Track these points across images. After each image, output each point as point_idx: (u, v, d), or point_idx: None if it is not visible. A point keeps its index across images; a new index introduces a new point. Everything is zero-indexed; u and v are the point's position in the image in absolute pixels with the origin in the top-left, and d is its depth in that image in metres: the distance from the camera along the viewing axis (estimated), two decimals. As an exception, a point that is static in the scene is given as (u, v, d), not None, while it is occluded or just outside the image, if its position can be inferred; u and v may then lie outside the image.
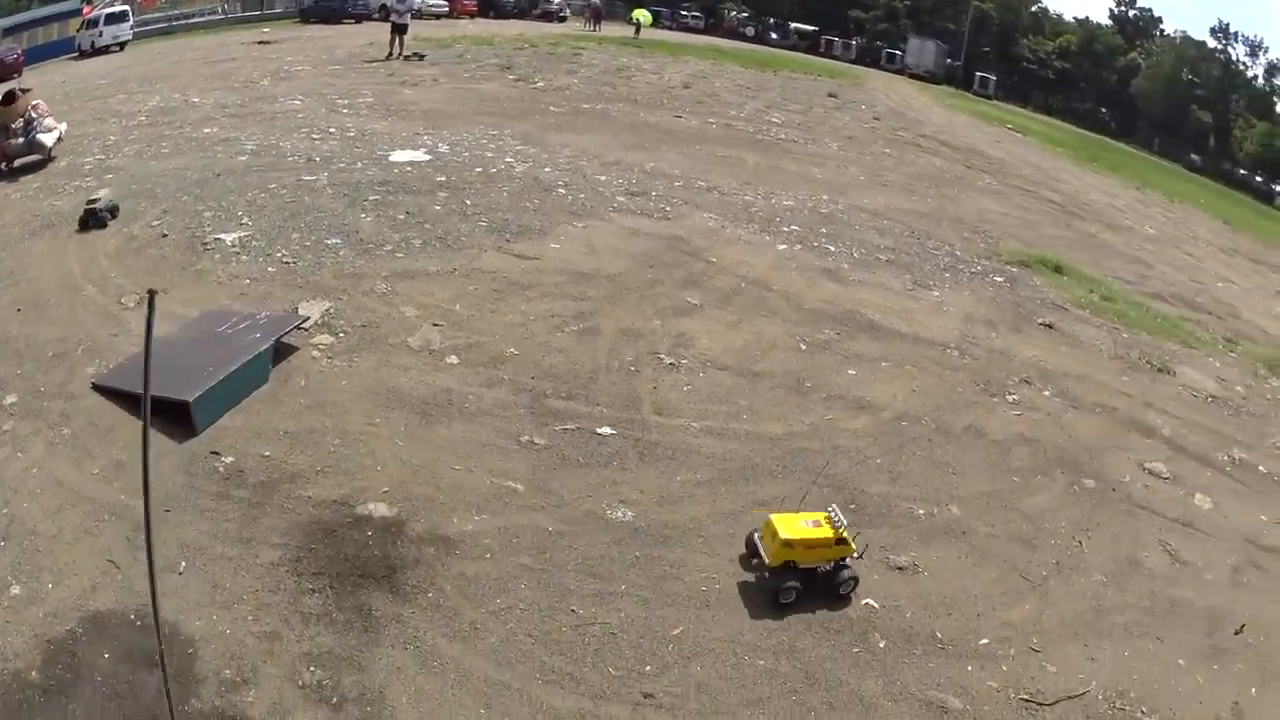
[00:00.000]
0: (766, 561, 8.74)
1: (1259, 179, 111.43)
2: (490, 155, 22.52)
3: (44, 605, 7.98)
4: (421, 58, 41.21)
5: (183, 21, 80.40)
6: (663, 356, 12.84)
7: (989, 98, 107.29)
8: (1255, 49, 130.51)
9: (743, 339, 13.70)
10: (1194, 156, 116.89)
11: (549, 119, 28.90)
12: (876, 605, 8.84)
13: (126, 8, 74.81)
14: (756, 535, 9.02)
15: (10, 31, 77.00)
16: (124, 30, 69.13)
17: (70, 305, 13.59)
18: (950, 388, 13.23)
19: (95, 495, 9.33)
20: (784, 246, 18.07)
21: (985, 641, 8.64)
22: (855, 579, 8.91)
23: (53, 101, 23.98)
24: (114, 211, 16.63)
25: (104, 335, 12.61)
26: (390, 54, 41.73)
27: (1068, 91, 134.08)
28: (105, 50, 64.00)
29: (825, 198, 22.81)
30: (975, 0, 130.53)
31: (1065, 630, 9.01)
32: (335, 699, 7.40)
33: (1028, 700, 8.19)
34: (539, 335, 13.05)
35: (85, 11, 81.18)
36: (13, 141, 22.26)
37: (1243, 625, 9.68)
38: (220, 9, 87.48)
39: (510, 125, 26.71)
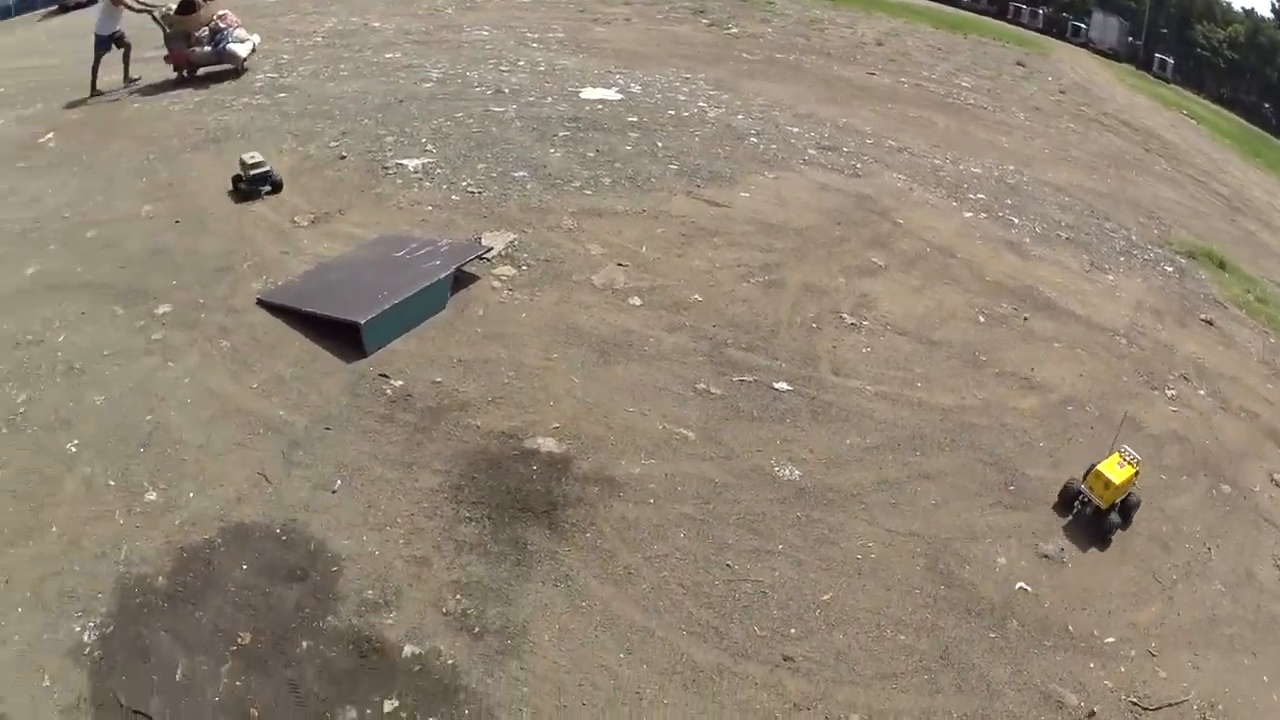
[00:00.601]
0: (1100, 505, 9.61)
1: None
2: (683, 99, 22.15)
3: (181, 513, 7.95)
4: None
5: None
6: (844, 316, 12.44)
7: (1167, 80, 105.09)
8: None
9: (924, 305, 13.26)
10: None
11: (742, 66, 28.44)
12: (1028, 589, 8.60)
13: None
14: (1080, 484, 9.78)
15: None
16: None
17: (237, 221, 13.60)
18: (1116, 375, 12.74)
19: (252, 408, 9.27)
20: (969, 214, 17.54)
21: (1111, 640, 8.39)
22: (1139, 502, 10.12)
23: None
24: (278, 186, 14.90)
25: (273, 252, 12.57)
26: None
27: (1236, 82, 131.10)
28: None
29: (1011, 168, 22.18)
30: None
31: (1182, 637, 8.72)
32: (477, 629, 7.26)
33: (1135, 703, 7.96)
34: (724, 284, 12.72)
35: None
36: (198, 49, 22.39)
37: None
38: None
39: (703, 70, 26.32)
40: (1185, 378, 13.18)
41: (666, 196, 15.28)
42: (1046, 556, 9.05)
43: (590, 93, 21.54)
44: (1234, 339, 15.38)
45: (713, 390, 10.24)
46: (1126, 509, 10.03)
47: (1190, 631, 8.77)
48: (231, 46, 22.54)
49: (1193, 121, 55.78)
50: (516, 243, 13.08)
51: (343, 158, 15.82)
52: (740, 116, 21.13)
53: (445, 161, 15.83)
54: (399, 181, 14.90)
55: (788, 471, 9.14)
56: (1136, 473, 9.96)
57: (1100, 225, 19.21)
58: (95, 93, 22.26)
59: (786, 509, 8.71)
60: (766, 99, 23.57)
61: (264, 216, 13.65)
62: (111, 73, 21.44)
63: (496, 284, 11.96)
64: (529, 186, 15.04)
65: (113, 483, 8.20)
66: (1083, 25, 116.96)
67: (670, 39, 31.61)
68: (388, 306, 10.52)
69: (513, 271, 12.30)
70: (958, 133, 24.85)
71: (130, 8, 22.79)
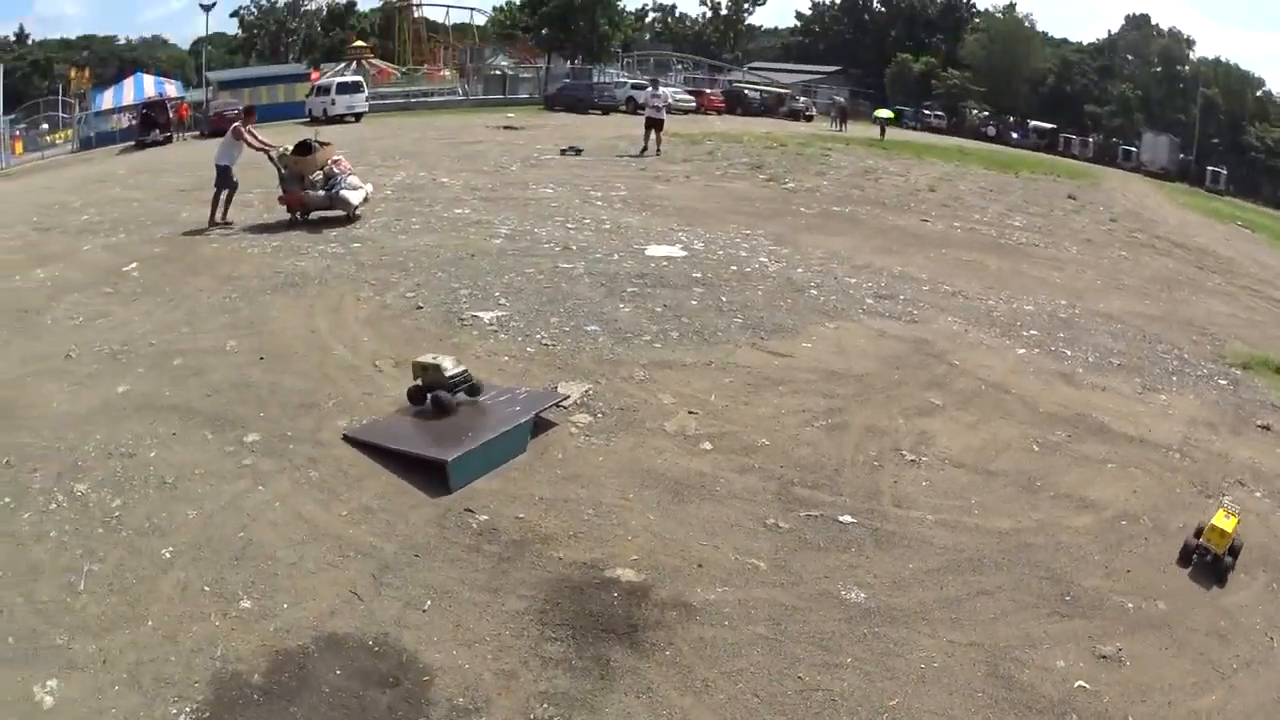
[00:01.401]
0: (1219, 553, 11.20)
1: None
2: (744, 254, 22.88)
3: (276, 621, 8.34)
4: (578, 152, 40.94)
5: (421, 99, 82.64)
6: (904, 453, 12.86)
7: (1221, 193, 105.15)
8: None
9: (980, 439, 13.67)
10: None
11: (800, 220, 29.25)
12: (1087, 686, 8.84)
13: (360, 79, 77.23)
14: (1197, 539, 11.42)
15: (227, 86, 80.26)
16: (359, 101, 71.35)
17: (319, 360, 14.28)
18: (1169, 489, 13.03)
19: (341, 534, 9.74)
20: (1023, 350, 18.00)
21: None
22: (1242, 545, 11.58)
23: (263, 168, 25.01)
24: (475, 390, 12.83)
25: (356, 393, 13.20)
26: (644, 149, 42.08)
27: None
28: (340, 119, 65.63)
29: (1063, 302, 22.63)
30: (1202, 88, 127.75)
31: (1247, 718, 8.94)
32: (563, 732, 7.60)
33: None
34: (789, 428, 13.19)
35: (313, 77, 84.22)
36: (311, 192, 23.42)
37: None
38: (460, 90, 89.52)
39: (763, 225, 27.11)
40: (1241, 483, 13.45)
41: (732, 349, 15.85)
42: (1104, 657, 9.29)
43: (655, 249, 22.28)
44: None
45: (781, 525, 10.65)
46: (1234, 550, 11.34)
47: (1255, 714, 8.99)
48: (345, 193, 23.68)
49: (1248, 231, 56.16)
50: (591, 392, 13.61)
51: (419, 308, 16.53)
52: (800, 269, 21.79)
53: (519, 315, 16.51)
54: (475, 333, 15.57)
55: (854, 594, 9.51)
56: (1239, 521, 11.45)
57: (1152, 348, 19.59)
58: (215, 223, 23.68)
59: (853, 627, 9.07)
60: (824, 251, 24.25)
61: (346, 360, 14.34)
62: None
63: (574, 430, 12.46)
64: (600, 340, 15.66)
65: (207, 589, 8.68)
66: (1133, 149, 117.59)
67: (729, 195, 32.61)
68: (473, 447, 11.06)
69: (589, 419, 12.82)
70: (1010, 272, 25.39)
71: (250, 143, 23.73)
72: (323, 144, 25.19)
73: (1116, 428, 14.65)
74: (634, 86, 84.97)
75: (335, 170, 24.17)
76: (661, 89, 49.87)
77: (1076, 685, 8.82)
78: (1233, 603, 10.62)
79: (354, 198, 23.99)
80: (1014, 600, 9.89)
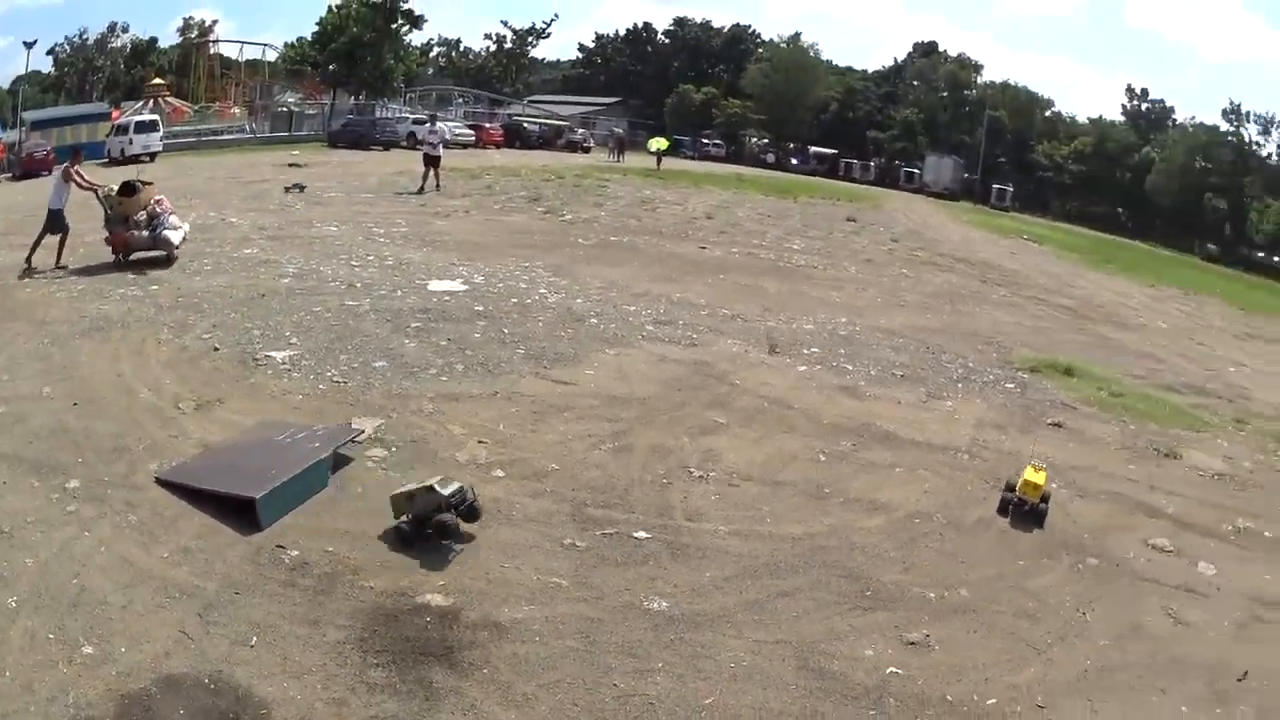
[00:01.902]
0: (1034, 501, 13.35)
1: (1276, 259, 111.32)
2: (524, 286, 23.59)
3: (117, 665, 8.52)
4: (302, 189, 40.58)
5: (212, 137, 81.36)
6: (692, 470, 13.56)
7: (1006, 209, 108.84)
8: (1268, 126, 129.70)
9: (765, 453, 14.47)
10: (1210, 246, 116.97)
11: (578, 251, 30.20)
12: (900, 671, 9.46)
13: (156, 118, 75.66)
14: (1012, 492, 13.52)
15: (39, 126, 77.90)
16: (154, 140, 69.60)
17: (126, 405, 14.44)
18: (960, 487, 13.99)
19: (165, 575, 9.95)
20: (804, 368, 18.97)
21: (993, 702, 9.21)
22: (1049, 495, 13.66)
23: (87, 207, 24.82)
24: (475, 513, 11.59)
25: (163, 435, 13.42)
26: (423, 187, 42.03)
27: (1084, 195, 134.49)
28: (136, 159, 64.01)
29: (844, 320, 23.85)
30: (989, 110, 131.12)
31: (1070, 689, 9.59)
32: (397, 756, 8.03)
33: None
34: (577, 452, 13.80)
35: (114, 116, 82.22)
36: (136, 233, 23.25)
37: (1245, 672, 10.23)
38: (249, 127, 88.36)
39: (542, 257, 27.93)
40: None
41: (517, 378, 16.50)
42: (913, 643, 10.01)
43: (437, 284, 22.90)
44: (1087, 434, 16.92)
45: (578, 544, 11.23)
46: (1045, 498, 13.36)
47: (1078, 684, 9.69)
48: (167, 233, 23.47)
49: (1034, 244, 59.36)
50: (384, 427, 14.05)
51: (216, 349, 16.80)
52: (579, 300, 22.61)
53: (310, 353, 16.87)
54: (269, 372, 15.89)
55: (656, 604, 10.13)
56: (1047, 476, 13.69)
57: (936, 359, 20.81)
58: (29, 270, 23.07)
59: (660, 634, 9.63)
60: (603, 281, 25.13)
61: (151, 403, 14.52)
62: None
63: (370, 464, 12.89)
64: (389, 375, 16.15)
65: (52, 636, 8.81)
66: (916, 171, 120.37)
67: (508, 229, 33.57)
68: (278, 484, 11.40)
69: (384, 452, 13.25)
70: (790, 294, 26.68)
71: (79, 184, 23.41)
72: (145, 184, 25.00)
73: (903, 434, 15.66)
74: (415, 122, 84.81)
75: (158, 210, 24.04)
76: (439, 124, 50.40)
77: (889, 671, 9.48)
78: (1039, 585, 11.53)
79: (175, 237, 23.90)
80: (815, 599, 10.57)
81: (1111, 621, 10.98)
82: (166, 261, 23.48)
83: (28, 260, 23.42)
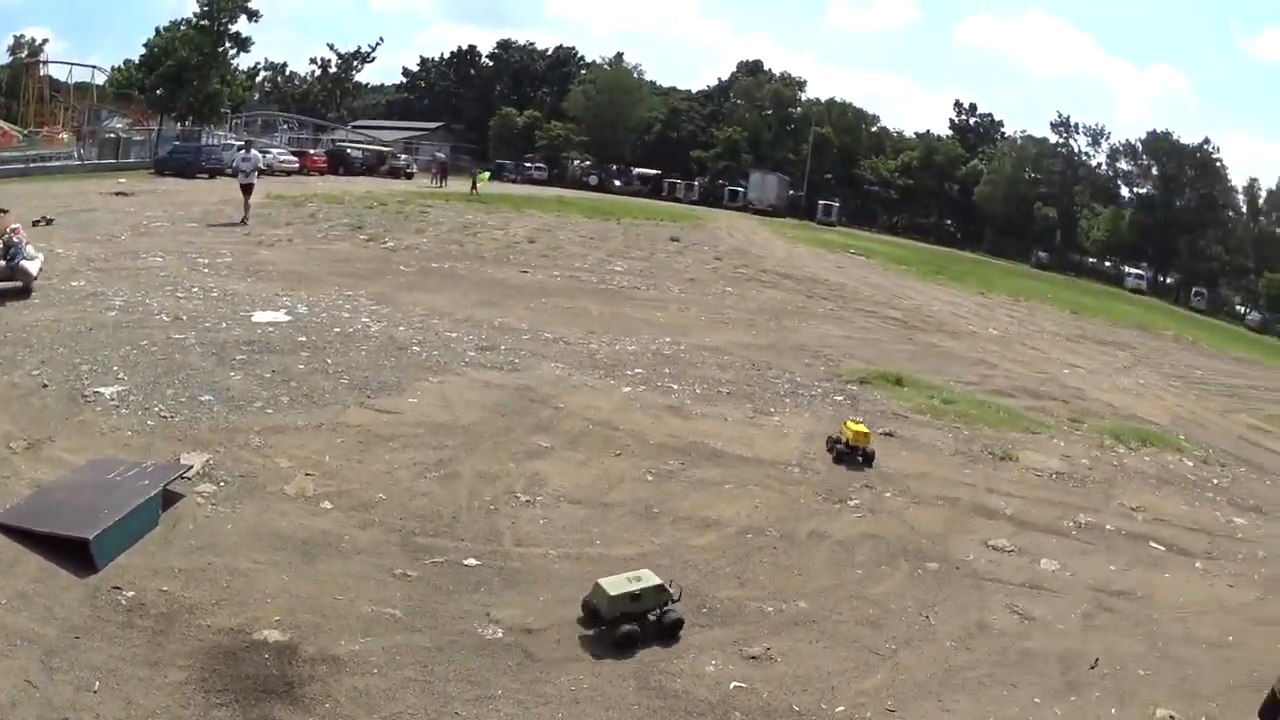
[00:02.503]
0: (864, 446, 15.80)
1: (1107, 264, 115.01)
2: (347, 315, 23.83)
3: None
4: (49, 222, 37.29)
5: (40, 165, 79.56)
6: (519, 495, 13.95)
7: (833, 224, 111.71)
8: (1097, 137, 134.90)
9: (592, 475, 14.91)
10: (1042, 253, 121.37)
11: (400, 279, 30.59)
12: (744, 685, 9.87)
13: (-19, 142, 73.34)
14: (840, 443, 16.05)
15: None
16: None
17: (-45, 447, 14.23)
18: (792, 500, 14.56)
19: (4, 621, 9.88)
20: (628, 389, 19.48)
21: (842, 709, 9.66)
22: (874, 453, 15.94)
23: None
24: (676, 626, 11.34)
25: (-4, 476, 13.27)
26: (245, 217, 41.62)
27: (912, 208, 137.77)
28: (-45, 188, 62.06)
29: (668, 340, 24.48)
30: (815, 127, 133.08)
31: (919, 691, 10.12)
32: (248, 795, 8.19)
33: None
34: (404, 481, 14.08)
35: (-68, 138, 79.65)
36: None
37: (1096, 660, 10.98)
38: (76, 154, 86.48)
39: (364, 285, 28.22)
40: (868, 486, 15.16)
41: (341, 409, 16.69)
42: (754, 657, 10.42)
43: (261, 316, 22.97)
44: (920, 442, 17.68)
45: (410, 573, 11.51)
46: (868, 455, 15.45)
47: (927, 685, 10.19)
48: (25, 263, 22.88)
49: (862, 258, 61.00)
50: (212, 461, 14.13)
51: (45, 386, 16.64)
52: (402, 328, 22.93)
53: (137, 388, 16.80)
54: (99, 409, 15.79)
55: (491, 631, 10.44)
56: (868, 432, 15.97)
57: (762, 375, 21.50)
58: None
59: (497, 660, 9.92)
60: (425, 308, 25.52)
61: (-21, 447, 14.32)
62: None
63: (200, 500, 12.96)
64: (215, 409, 16.18)
65: None
66: (740, 189, 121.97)
67: (330, 258, 33.69)
68: (110, 524, 11.43)
69: (213, 488, 13.33)
70: (612, 316, 27.26)
71: None
72: (1, 211, 24.71)
73: (730, 451, 16.22)
74: (239, 149, 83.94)
75: (15, 240, 23.40)
76: (253, 151, 48.65)
77: (732, 686, 9.89)
78: (879, 592, 12.13)
79: (33, 268, 23.42)
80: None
81: (956, 623, 11.59)
82: (24, 293, 23.15)
83: None
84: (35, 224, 34.92)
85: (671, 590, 10.73)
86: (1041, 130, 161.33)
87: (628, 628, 10.32)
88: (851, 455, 16.14)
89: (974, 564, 13.21)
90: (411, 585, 11.30)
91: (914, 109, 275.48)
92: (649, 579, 10.64)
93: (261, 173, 50.80)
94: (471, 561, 11.93)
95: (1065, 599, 12.62)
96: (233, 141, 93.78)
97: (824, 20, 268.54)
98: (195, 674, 9.33)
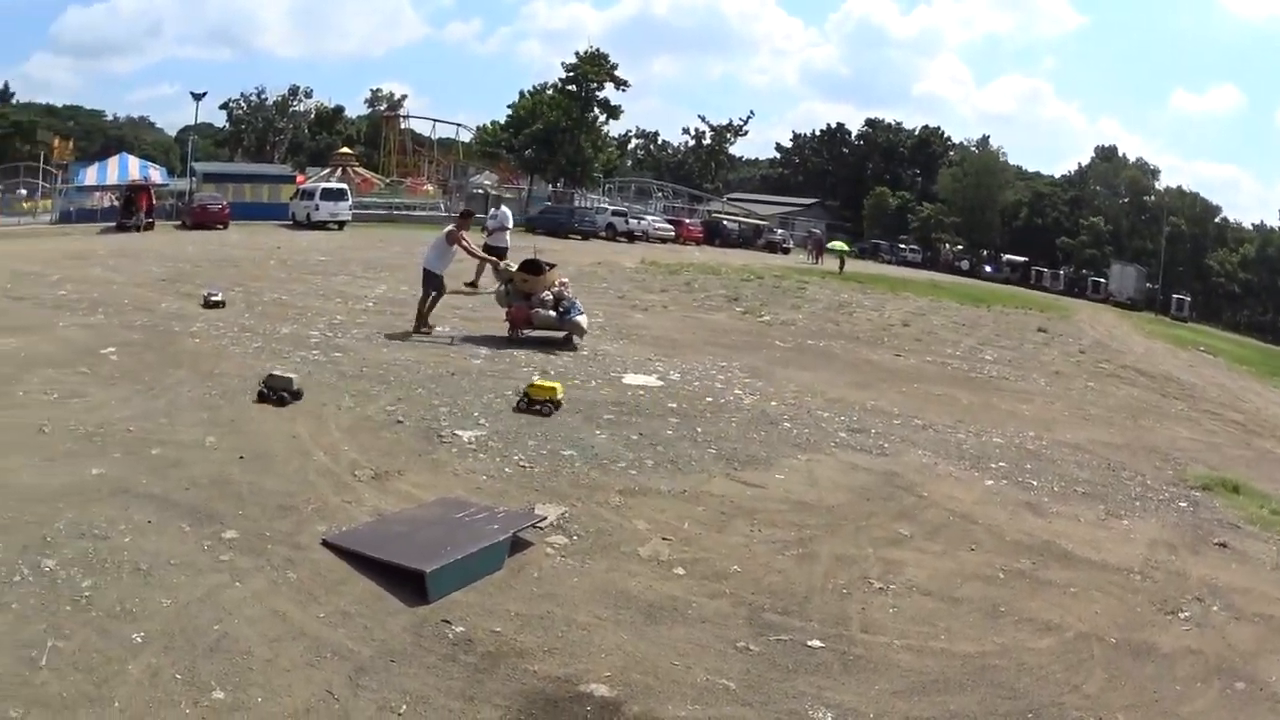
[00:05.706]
0: (553, 399, 18.38)
1: None
2: (719, 386, 23.46)
3: (249, 714, 8.33)
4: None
5: (404, 211, 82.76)
6: (873, 581, 13.12)
7: (1184, 319, 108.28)
8: None
9: (947, 568, 13.98)
10: None
11: (775, 353, 30.06)
12: None
13: (345, 187, 77.17)
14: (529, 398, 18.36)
15: (212, 179, 79.85)
16: (343, 209, 71.31)
17: (299, 465, 14.52)
18: (1130, 609, 13.33)
19: (319, 634, 9.82)
20: (991, 482, 18.40)
21: None
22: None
23: (265, 266, 25.26)
24: (297, 394, 17.27)
25: (336, 500, 13.40)
26: (474, 280, 37.65)
27: (1251, 304, 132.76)
28: (322, 225, 65.22)
29: (1031, 434, 23.16)
30: (1171, 217, 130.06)
31: None
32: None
33: None
34: (760, 556, 13.44)
35: (298, 180, 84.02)
36: (541, 311, 24.51)
37: None
38: (443, 205, 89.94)
39: (738, 357, 27.84)
40: (1198, 599, 13.74)
41: (706, 478, 16.17)
42: None
43: (632, 379, 22.77)
44: (1247, 555, 16.01)
45: (751, 648, 10.84)
46: (558, 402, 18.32)
47: None
48: (578, 318, 24.66)
49: (1209, 356, 58.62)
50: (567, 515, 13.83)
51: (400, 422, 16.84)
52: (774, 403, 22.29)
53: (498, 435, 16.82)
54: (454, 450, 15.83)
55: (821, 714, 9.68)
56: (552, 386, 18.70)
57: (1116, 475, 20.02)
58: (421, 329, 24.98)
59: None
60: (798, 385, 24.82)
61: (326, 466, 14.58)
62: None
63: (550, 550, 12.67)
64: (577, 464, 15.96)
65: (179, 677, 8.68)
66: (1102, 280, 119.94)
67: (706, 327, 33.65)
68: (451, 560, 11.25)
69: (565, 540, 13.02)
70: (981, 406, 26.02)
71: (467, 249, 24.37)
72: (550, 265, 26.30)
73: (1079, 553, 14.98)
74: (614, 213, 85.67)
75: (565, 294, 25.27)
76: (503, 208, 41.72)
77: None
78: (1189, 711, 10.82)
79: (584, 322, 25.10)
80: (979, 718, 10.07)
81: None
82: (567, 342, 24.80)
83: (420, 321, 25.38)
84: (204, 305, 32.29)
85: None
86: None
87: None
88: (532, 406, 18.59)
89: (1275, 686, 11.80)
90: (751, 659, 10.64)
91: (1249, 199, 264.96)
92: None
93: (635, 238, 51.29)
94: (815, 643, 11.17)
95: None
96: (606, 206, 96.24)
97: (1168, 105, 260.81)
98: (510, 714, 8.95)
